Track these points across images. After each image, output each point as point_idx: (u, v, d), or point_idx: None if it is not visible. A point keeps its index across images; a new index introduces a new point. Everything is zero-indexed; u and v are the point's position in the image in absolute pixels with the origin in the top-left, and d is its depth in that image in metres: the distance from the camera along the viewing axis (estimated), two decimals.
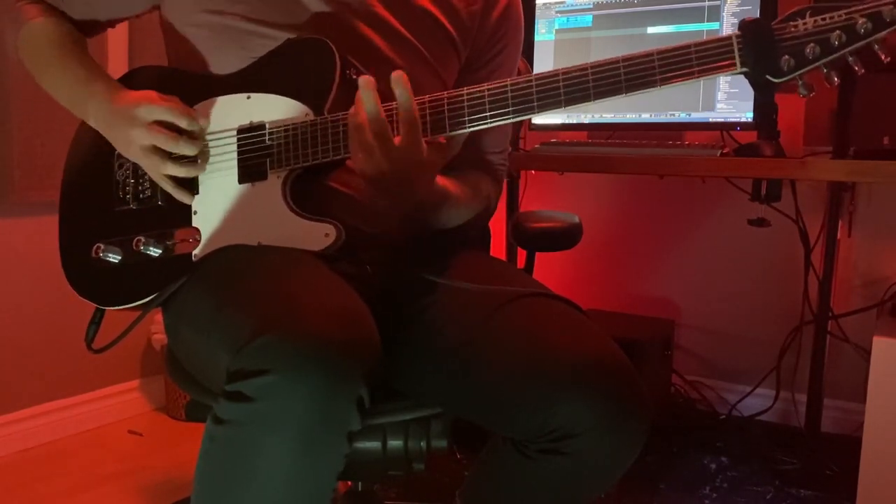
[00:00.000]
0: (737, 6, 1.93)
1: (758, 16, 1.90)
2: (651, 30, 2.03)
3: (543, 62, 2.18)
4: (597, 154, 1.94)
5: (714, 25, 1.96)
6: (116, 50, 2.05)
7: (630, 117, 2.09)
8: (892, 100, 1.70)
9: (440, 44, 1.15)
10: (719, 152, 1.80)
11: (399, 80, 0.93)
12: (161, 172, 1.05)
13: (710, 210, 2.49)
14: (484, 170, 1.24)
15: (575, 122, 2.18)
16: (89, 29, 1.21)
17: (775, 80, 0.90)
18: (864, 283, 2.28)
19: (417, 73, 1.12)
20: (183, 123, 1.03)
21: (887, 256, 2.25)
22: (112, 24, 1.23)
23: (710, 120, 1.99)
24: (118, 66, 2.13)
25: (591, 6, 2.10)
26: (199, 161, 1.06)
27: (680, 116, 2.03)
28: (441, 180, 1.10)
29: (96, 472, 2.03)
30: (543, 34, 2.18)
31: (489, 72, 1.21)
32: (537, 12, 2.18)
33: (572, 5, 2.13)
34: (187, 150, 1.04)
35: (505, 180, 1.34)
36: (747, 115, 1.93)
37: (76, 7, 1.18)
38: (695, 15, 1.98)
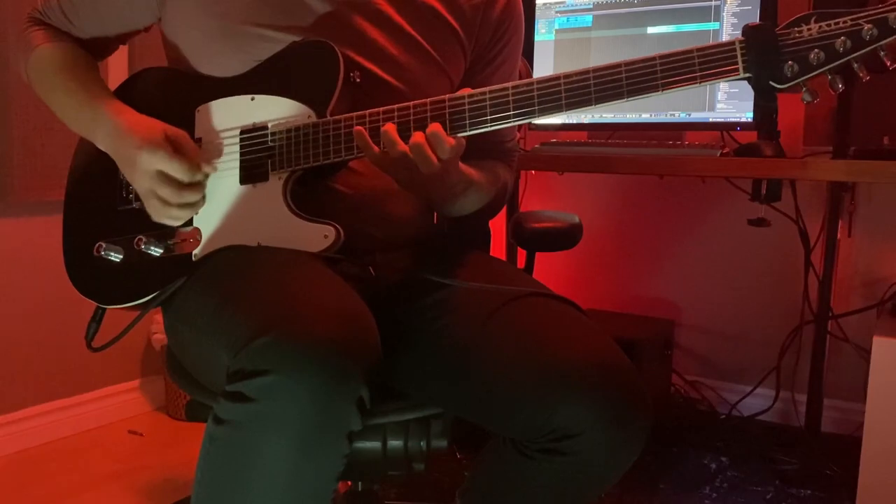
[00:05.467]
0: (737, 6, 1.93)
1: (757, 15, 1.90)
2: (651, 30, 2.03)
3: (543, 62, 2.18)
4: (597, 154, 1.94)
5: (714, 25, 1.96)
6: (116, 54, 2.05)
7: (630, 117, 2.09)
8: (892, 100, 1.70)
9: (445, 40, 1.15)
10: (719, 152, 1.80)
11: (386, 134, 0.95)
12: (163, 216, 1.05)
13: (710, 210, 2.49)
14: (497, 157, 1.25)
15: (575, 122, 2.18)
16: (100, 49, 1.21)
17: (779, 87, 0.89)
18: (864, 283, 2.28)
19: (423, 69, 1.12)
20: (185, 178, 1.02)
21: (887, 256, 2.25)
22: (122, 40, 1.23)
23: (710, 120, 1.99)
24: (118, 70, 2.12)
25: (591, 6, 2.10)
26: (200, 204, 1.06)
27: (680, 116, 2.03)
28: (464, 167, 1.10)
29: (96, 472, 2.03)
30: (543, 34, 2.18)
31: (495, 67, 1.22)
32: (537, 12, 2.17)
33: (572, 5, 2.13)
34: (191, 199, 1.04)
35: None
36: (747, 115, 1.93)
37: (85, 27, 1.18)
38: (695, 15, 1.98)
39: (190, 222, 1.07)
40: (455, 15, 1.15)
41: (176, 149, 1.02)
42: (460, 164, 1.05)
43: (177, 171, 1.01)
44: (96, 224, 1.13)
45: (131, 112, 1.08)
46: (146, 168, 1.01)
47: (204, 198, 1.06)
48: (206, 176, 1.06)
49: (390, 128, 0.95)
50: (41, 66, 1.16)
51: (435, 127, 0.94)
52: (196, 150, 1.05)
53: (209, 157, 1.06)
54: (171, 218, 1.05)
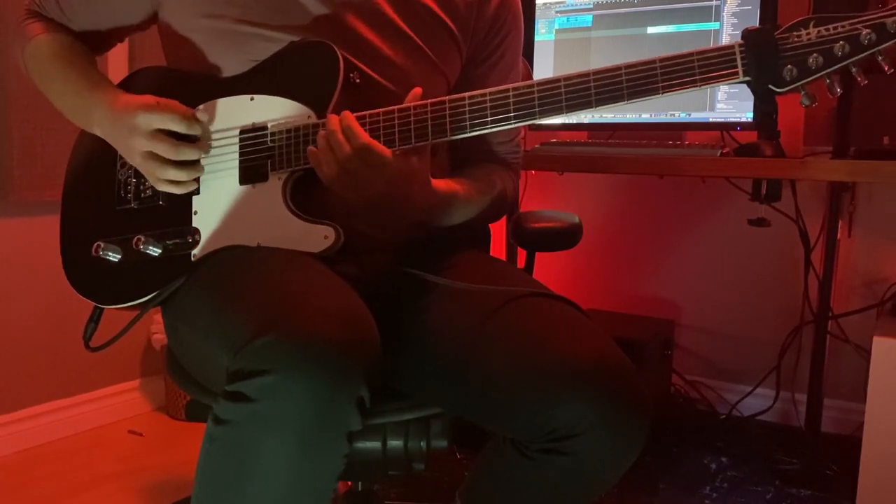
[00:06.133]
0: (737, 6, 1.93)
1: (757, 15, 1.90)
2: (651, 30, 2.03)
3: (543, 62, 2.18)
4: (597, 154, 1.94)
5: (715, 25, 1.96)
6: (117, 53, 2.05)
7: (630, 117, 2.09)
8: (892, 100, 1.70)
9: (440, 38, 1.15)
10: (719, 152, 1.80)
11: (339, 122, 0.97)
12: (162, 178, 1.05)
13: (710, 210, 2.49)
14: (494, 161, 1.25)
15: (575, 122, 2.18)
16: (95, 44, 1.21)
17: (777, 90, 0.90)
18: (864, 283, 2.28)
19: (418, 70, 1.12)
20: (182, 129, 1.03)
21: (887, 256, 2.25)
22: (118, 37, 1.23)
23: (710, 120, 1.99)
24: (118, 69, 2.13)
25: (591, 6, 2.10)
26: (199, 163, 1.06)
27: (680, 116, 2.03)
28: (445, 183, 1.10)
29: (96, 472, 2.03)
30: (543, 34, 2.18)
31: (492, 64, 1.22)
32: (537, 12, 2.17)
33: (572, 5, 2.13)
34: (189, 155, 1.04)
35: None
36: (747, 115, 1.94)
37: (79, 20, 1.18)
38: (695, 15, 1.98)
39: (189, 222, 1.07)
40: (450, 14, 1.15)
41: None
42: (447, 181, 1.06)
43: (174, 122, 1.02)
44: (94, 224, 1.13)
45: (125, 93, 1.09)
46: (144, 128, 1.02)
47: (202, 165, 1.06)
48: (208, 143, 1.06)
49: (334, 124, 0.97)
50: (38, 56, 1.16)
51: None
52: (190, 110, 1.05)
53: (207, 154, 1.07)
54: (171, 183, 1.05)
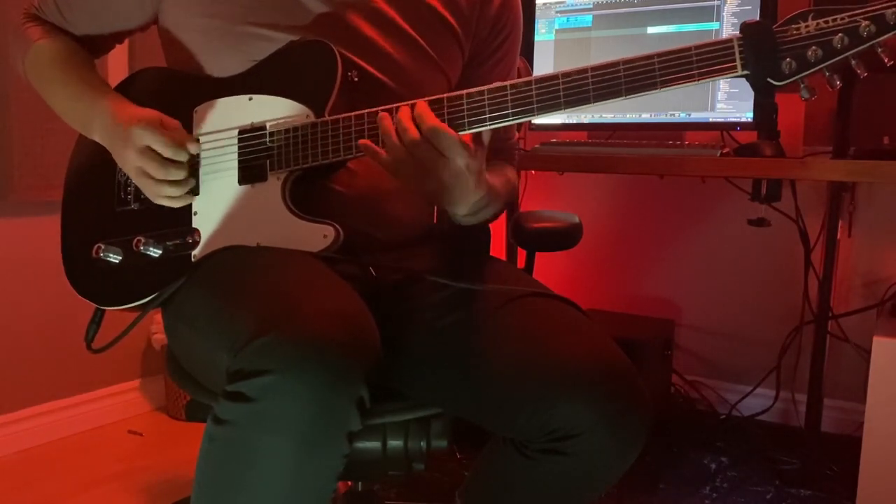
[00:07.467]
0: (737, 6, 1.93)
1: (757, 16, 1.90)
2: (651, 30, 2.03)
3: (543, 62, 2.18)
4: (597, 154, 1.94)
5: (714, 25, 1.96)
6: (116, 54, 2.06)
7: (630, 117, 2.09)
8: (892, 100, 1.70)
9: (442, 38, 1.15)
10: (719, 152, 1.80)
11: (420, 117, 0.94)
12: (156, 194, 1.05)
13: (710, 210, 2.49)
14: (500, 157, 1.25)
15: (575, 122, 2.18)
16: (95, 47, 1.21)
17: (776, 83, 0.89)
18: (864, 283, 2.28)
19: (420, 68, 1.12)
20: (167, 154, 1.02)
21: (887, 256, 2.25)
22: (118, 39, 1.23)
23: (710, 120, 1.99)
24: (118, 70, 2.13)
25: (591, 6, 2.10)
26: (189, 182, 1.06)
27: (680, 116, 2.03)
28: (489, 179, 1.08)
29: (96, 472, 2.03)
30: (543, 34, 2.18)
31: (493, 64, 1.22)
32: (537, 12, 2.18)
33: (572, 5, 2.13)
34: (176, 175, 1.04)
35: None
36: (747, 115, 1.93)
37: (79, 24, 1.18)
38: (695, 15, 1.98)
39: (189, 223, 1.07)
40: (452, 12, 1.15)
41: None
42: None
43: (161, 145, 1.02)
44: (95, 225, 1.13)
45: (129, 102, 1.09)
46: (136, 143, 1.02)
47: (197, 178, 1.06)
48: (195, 157, 1.06)
49: (386, 121, 0.94)
50: (39, 61, 1.16)
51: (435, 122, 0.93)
52: (184, 134, 1.05)
53: (196, 175, 1.07)
54: (163, 197, 1.05)
